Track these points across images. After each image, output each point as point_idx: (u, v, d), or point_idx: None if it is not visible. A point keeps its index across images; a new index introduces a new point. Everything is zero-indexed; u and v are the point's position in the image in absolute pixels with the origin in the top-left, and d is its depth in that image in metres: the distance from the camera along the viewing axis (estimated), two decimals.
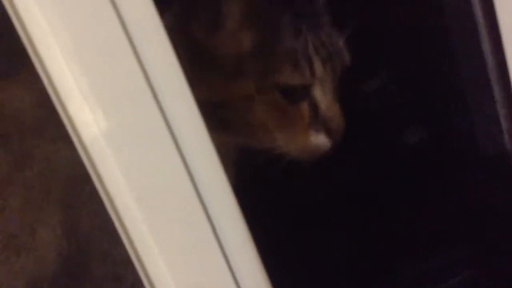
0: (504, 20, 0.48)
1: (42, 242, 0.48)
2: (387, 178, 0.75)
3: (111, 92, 0.35)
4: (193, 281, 0.38)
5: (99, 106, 0.34)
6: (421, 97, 0.75)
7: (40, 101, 0.47)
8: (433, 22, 0.67)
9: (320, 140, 0.53)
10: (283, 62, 0.50)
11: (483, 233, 0.68)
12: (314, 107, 0.52)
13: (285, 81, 0.50)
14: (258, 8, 0.51)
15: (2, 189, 0.49)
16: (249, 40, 0.50)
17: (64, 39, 0.33)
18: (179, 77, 0.35)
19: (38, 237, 0.48)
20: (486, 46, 0.61)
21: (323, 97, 0.52)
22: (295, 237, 0.69)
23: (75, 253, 0.49)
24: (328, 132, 0.53)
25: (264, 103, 0.51)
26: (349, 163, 0.73)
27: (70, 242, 0.49)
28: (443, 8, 0.65)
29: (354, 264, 0.71)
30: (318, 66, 0.51)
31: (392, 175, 0.75)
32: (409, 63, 0.72)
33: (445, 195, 0.74)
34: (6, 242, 0.48)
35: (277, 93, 0.51)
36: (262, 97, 0.50)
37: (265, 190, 0.64)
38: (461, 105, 0.71)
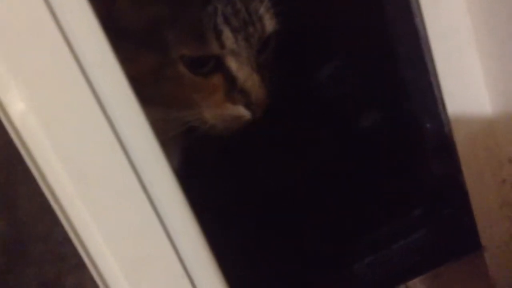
0: None
1: None
2: (340, 156, 0.78)
3: (37, 68, 0.34)
4: (134, 256, 0.39)
5: (26, 84, 0.34)
6: (363, 81, 0.77)
7: None
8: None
9: (238, 111, 0.52)
10: (186, 33, 0.48)
11: (428, 198, 0.72)
12: (231, 79, 0.51)
13: (190, 53, 0.48)
14: None
15: None
16: (149, 12, 0.48)
17: None
18: (106, 50, 0.34)
19: None
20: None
21: (238, 68, 0.50)
22: (239, 213, 0.71)
23: (14, 234, 0.48)
24: (247, 104, 0.51)
25: (172, 77, 0.49)
26: (302, 141, 0.75)
27: (9, 223, 0.48)
28: None
29: (305, 234, 0.73)
30: (227, 37, 0.49)
31: (343, 153, 0.78)
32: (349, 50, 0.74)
33: (391, 167, 0.77)
34: None
35: (182, 66, 0.49)
36: (169, 71, 0.49)
37: (206, 166, 0.64)
38: (399, 83, 0.74)
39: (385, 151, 0.78)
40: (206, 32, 0.48)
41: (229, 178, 0.70)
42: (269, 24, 0.53)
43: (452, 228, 0.63)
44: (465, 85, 0.53)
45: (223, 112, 0.52)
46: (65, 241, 0.49)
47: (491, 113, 0.52)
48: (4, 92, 0.34)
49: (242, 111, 0.52)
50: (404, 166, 0.75)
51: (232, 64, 0.50)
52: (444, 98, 0.54)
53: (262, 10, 0.52)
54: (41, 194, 0.41)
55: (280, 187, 0.75)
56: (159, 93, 0.50)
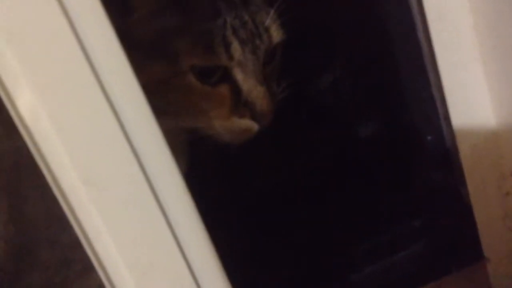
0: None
1: None
2: (341, 165, 0.78)
3: (53, 75, 0.35)
4: (143, 261, 0.39)
5: (41, 89, 0.34)
6: (364, 92, 0.78)
7: None
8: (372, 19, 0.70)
9: (244, 124, 0.52)
10: (196, 44, 0.49)
11: (427, 209, 0.72)
12: (237, 90, 0.52)
13: (199, 63, 0.49)
14: None
15: None
16: (163, 23, 0.49)
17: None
18: (122, 61, 0.35)
19: None
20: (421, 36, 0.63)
21: (244, 80, 0.51)
22: (246, 217, 0.71)
23: (22, 239, 0.48)
24: (253, 115, 0.52)
25: (181, 86, 0.50)
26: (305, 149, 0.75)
27: (17, 228, 0.48)
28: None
29: (304, 243, 0.74)
30: (235, 49, 0.50)
31: (343, 162, 0.79)
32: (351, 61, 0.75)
33: (392, 177, 0.78)
34: None
35: (191, 75, 0.50)
36: (179, 81, 0.50)
37: (213, 172, 0.65)
38: (400, 95, 0.75)
39: (386, 162, 0.79)
40: (216, 44, 0.49)
41: (233, 186, 0.71)
42: (276, 35, 0.53)
43: (454, 239, 0.63)
44: (470, 98, 0.53)
45: (230, 125, 0.52)
46: (72, 246, 0.49)
47: (495, 125, 0.52)
48: (21, 97, 0.34)
49: (249, 124, 0.52)
50: (405, 177, 0.76)
51: (239, 75, 0.51)
52: (448, 110, 0.55)
53: (268, 21, 0.52)
54: (49, 199, 0.42)
55: (281, 195, 0.76)
56: (168, 102, 0.51)
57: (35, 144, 0.36)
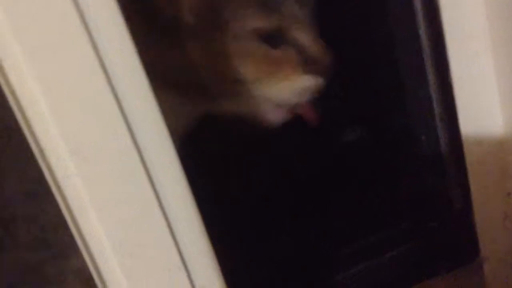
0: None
1: None
2: (329, 166, 0.78)
3: (45, 36, 0.32)
4: (130, 241, 0.37)
5: (31, 50, 0.32)
6: (361, 91, 0.78)
7: None
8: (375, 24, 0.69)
9: (310, 80, 0.54)
10: (255, 7, 0.50)
11: (416, 211, 0.72)
12: (299, 48, 0.53)
13: (261, 26, 0.51)
14: None
15: None
16: None
17: None
18: (118, 25, 0.33)
19: None
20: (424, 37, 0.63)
21: (304, 37, 0.53)
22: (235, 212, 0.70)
23: None
24: (317, 71, 0.54)
25: (245, 53, 0.51)
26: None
27: None
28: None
29: (291, 242, 0.73)
30: (290, 7, 0.52)
31: (333, 163, 0.78)
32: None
33: (382, 178, 0.77)
34: None
35: (255, 40, 0.51)
36: (242, 47, 0.51)
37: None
38: (397, 93, 0.74)
39: (376, 162, 0.78)
40: (273, 4, 0.51)
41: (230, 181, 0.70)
42: None
43: (445, 241, 0.62)
44: (479, 101, 0.53)
45: (298, 84, 0.54)
46: (52, 227, 0.47)
47: (502, 124, 0.52)
48: (7, 58, 0.32)
49: (313, 79, 0.54)
50: (395, 177, 0.76)
51: (298, 33, 0.53)
52: (456, 107, 0.54)
53: None
54: (30, 173, 0.39)
55: (272, 192, 0.75)
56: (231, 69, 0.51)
57: (21, 109, 0.33)
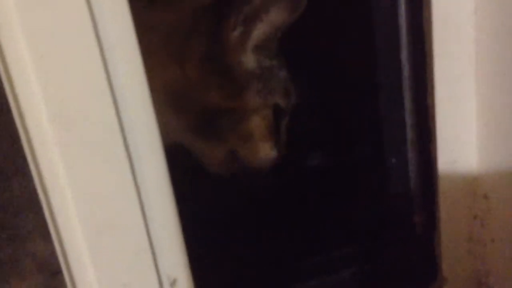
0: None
1: None
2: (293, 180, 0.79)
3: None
4: (99, 218, 0.36)
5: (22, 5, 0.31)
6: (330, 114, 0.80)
7: None
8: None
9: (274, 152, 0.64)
10: (281, 87, 0.62)
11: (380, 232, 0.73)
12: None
13: (279, 102, 0.62)
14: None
15: None
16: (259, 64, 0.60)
17: None
18: None
19: None
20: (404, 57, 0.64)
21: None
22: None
23: None
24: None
25: (259, 117, 0.60)
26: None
27: None
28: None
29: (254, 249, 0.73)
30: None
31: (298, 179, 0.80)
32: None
33: (347, 196, 0.78)
34: None
35: (271, 111, 0.61)
36: (260, 112, 0.60)
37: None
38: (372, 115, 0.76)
39: (342, 180, 0.80)
40: (289, 87, 0.65)
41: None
42: None
43: (405, 262, 0.63)
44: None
45: (268, 153, 0.65)
46: (16, 209, 0.45)
47: (476, 154, 0.54)
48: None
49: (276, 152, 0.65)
50: (360, 197, 0.77)
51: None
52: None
53: None
54: None
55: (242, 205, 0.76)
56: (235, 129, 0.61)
57: (5, 66, 0.32)
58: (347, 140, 0.82)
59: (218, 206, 0.74)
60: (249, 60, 0.59)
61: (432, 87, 0.54)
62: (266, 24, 0.58)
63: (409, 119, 0.68)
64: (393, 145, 0.71)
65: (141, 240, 0.37)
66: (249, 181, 0.76)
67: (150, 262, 0.38)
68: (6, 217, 0.44)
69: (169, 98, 0.56)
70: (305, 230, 0.75)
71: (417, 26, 0.54)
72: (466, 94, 0.53)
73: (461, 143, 0.53)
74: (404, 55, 0.63)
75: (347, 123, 0.83)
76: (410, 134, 0.69)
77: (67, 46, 0.32)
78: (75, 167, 0.34)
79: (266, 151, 0.64)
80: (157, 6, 0.58)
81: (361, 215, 0.75)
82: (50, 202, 0.35)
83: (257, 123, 0.61)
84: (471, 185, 0.53)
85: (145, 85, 0.35)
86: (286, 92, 0.63)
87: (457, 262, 0.54)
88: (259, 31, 0.58)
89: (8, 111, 0.34)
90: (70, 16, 0.31)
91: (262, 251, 0.71)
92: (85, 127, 0.34)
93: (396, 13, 0.59)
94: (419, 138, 0.66)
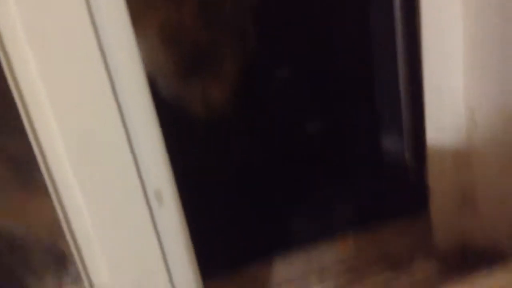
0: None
1: None
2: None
3: None
4: (80, 128, 0.37)
5: None
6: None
7: None
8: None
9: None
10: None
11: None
12: None
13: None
14: None
15: None
16: None
17: None
18: None
19: None
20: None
21: None
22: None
23: None
24: None
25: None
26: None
27: None
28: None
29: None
30: None
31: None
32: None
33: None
34: None
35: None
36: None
37: None
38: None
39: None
40: None
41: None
42: None
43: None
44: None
45: None
46: None
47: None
48: None
49: None
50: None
51: None
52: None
53: None
54: None
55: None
56: None
57: None
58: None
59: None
60: None
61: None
62: None
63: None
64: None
65: (123, 150, 0.38)
66: None
67: (134, 176, 0.39)
68: None
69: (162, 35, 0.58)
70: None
71: None
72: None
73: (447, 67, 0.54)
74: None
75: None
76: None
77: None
78: (53, 79, 0.36)
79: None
80: None
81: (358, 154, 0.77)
82: (29, 115, 0.36)
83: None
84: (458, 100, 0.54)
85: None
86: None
87: (442, 175, 0.55)
88: None
89: None
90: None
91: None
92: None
93: None
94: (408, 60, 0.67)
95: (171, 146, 0.41)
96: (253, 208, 0.74)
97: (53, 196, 0.39)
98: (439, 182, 0.55)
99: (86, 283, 0.39)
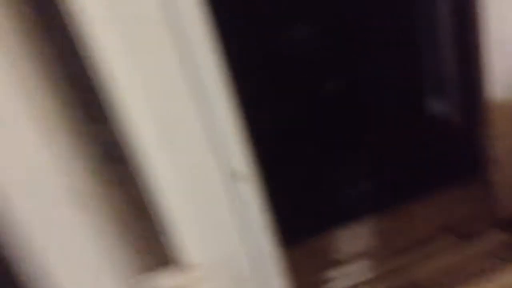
0: None
1: None
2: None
3: None
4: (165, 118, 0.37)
5: None
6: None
7: None
8: None
9: None
10: None
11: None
12: None
13: None
14: None
15: None
16: None
17: None
18: None
19: None
20: None
21: None
22: None
23: None
24: None
25: None
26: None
27: None
28: None
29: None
30: None
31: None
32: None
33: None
34: None
35: None
36: None
37: None
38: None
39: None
40: None
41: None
42: None
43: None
44: None
45: None
46: None
47: None
48: None
49: None
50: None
51: None
52: None
53: None
54: None
55: None
56: None
57: None
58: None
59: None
60: None
61: None
62: None
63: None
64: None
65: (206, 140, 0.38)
66: None
67: (217, 158, 0.39)
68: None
69: None
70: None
71: None
72: None
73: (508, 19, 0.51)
74: None
75: None
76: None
77: None
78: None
79: None
80: None
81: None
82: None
83: None
84: None
85: None
86: None
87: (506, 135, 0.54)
88: None
89: None
90: None
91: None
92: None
93: None
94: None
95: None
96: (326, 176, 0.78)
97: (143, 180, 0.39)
98: (501, 143, 0.53)
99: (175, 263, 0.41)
